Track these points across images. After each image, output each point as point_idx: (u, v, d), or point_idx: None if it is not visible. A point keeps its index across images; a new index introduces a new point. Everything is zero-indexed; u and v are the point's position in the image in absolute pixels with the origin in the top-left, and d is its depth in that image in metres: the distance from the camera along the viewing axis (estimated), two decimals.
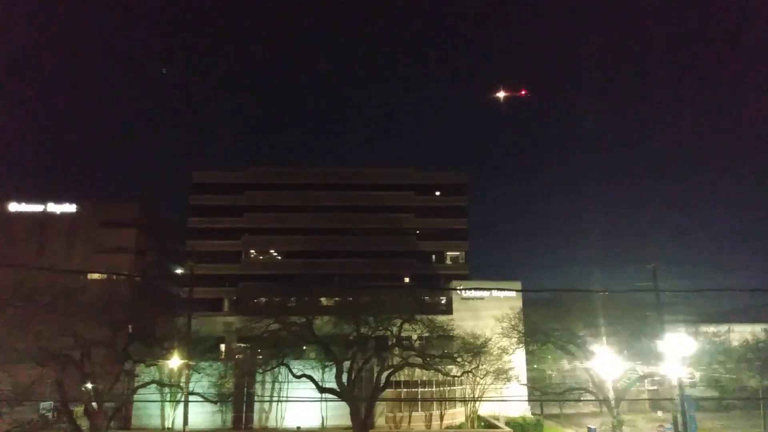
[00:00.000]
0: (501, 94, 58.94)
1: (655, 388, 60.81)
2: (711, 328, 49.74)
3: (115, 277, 55.71)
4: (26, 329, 35.71)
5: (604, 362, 40.94)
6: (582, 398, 51.27)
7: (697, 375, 45.31)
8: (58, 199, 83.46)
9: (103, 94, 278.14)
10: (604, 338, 42.05)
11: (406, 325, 43.37)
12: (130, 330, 42.88)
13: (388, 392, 46.84)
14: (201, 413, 45.51)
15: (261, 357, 49.14)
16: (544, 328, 47.22)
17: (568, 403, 56.87)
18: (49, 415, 48.21)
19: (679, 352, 31.32)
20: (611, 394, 41.79)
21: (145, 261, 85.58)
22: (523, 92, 60.83)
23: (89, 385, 38.98)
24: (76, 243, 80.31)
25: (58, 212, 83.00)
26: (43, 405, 48.42)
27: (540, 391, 56.83)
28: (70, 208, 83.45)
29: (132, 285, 50.49)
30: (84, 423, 38.54)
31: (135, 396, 43.65)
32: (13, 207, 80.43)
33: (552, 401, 57.76)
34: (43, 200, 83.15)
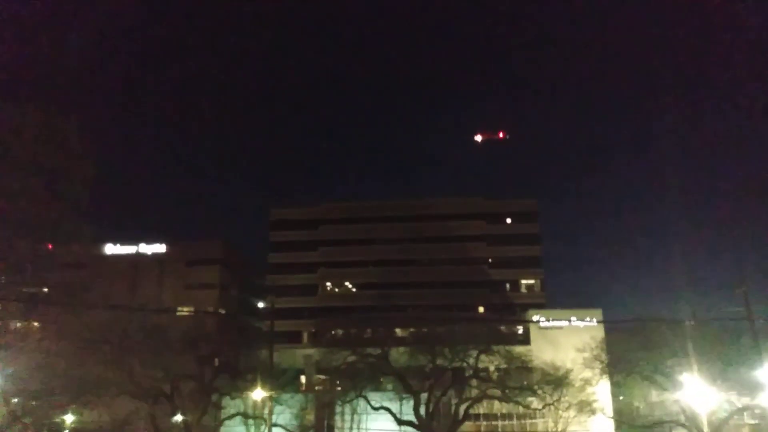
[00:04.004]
0: (478, 138, 57.79)
1: (757, 422, 56.32)
2: None
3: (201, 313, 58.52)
4: (121, 365, 38.14)
5: (696, 393, 38.59)
6: None
7: None
8: (149, 240, 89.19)
9: (181, 141, 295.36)
10: (695, 367, 39.73)
11: (483, 356, 42.89)
12: (216, 363, 44.82)
13: (468, 425, 46.24)
14: None
15: (340, 388, 49.86)
16: (629, 357, 45.18)
17: None
18: None
19: None
20: (706, 428, 39.24)
21: (229, 296, 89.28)
22: (501, 135, 59.20)
23: (179, 417, 40.95)
24: (166, 280, 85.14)
25: (149, 252, 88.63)
26: None
27: (627, 424, 54.03)
28: (160, 248, 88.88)
29: (217, 320, 52.74)
30: None
31: (222, 428, 45.20)
32: (109, 249, 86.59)
33: None
34: (136, 242, 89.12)
